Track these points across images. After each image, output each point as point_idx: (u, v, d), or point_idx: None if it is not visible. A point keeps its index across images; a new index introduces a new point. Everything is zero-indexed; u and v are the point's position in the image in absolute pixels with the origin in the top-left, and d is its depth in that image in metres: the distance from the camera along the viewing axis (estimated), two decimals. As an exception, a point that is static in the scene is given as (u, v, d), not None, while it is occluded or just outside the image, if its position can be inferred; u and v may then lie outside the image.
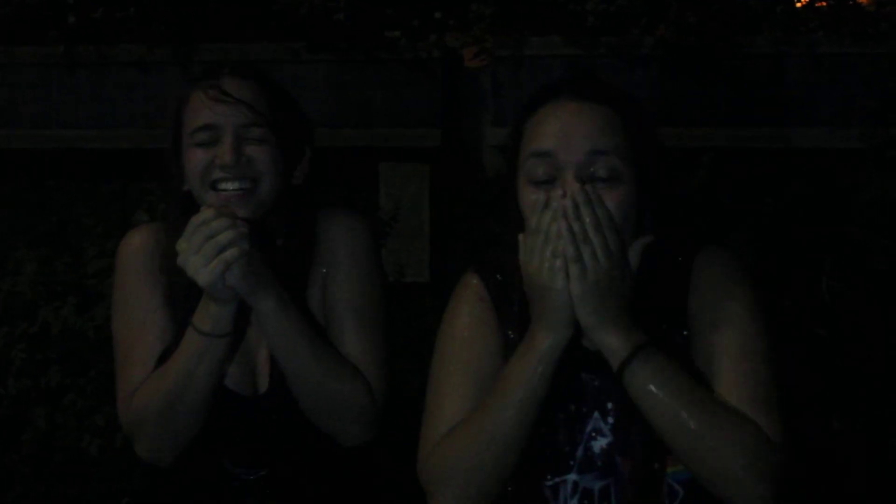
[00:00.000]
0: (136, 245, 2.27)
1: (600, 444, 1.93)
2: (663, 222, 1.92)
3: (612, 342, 1.83)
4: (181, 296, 2.14)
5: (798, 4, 5.70)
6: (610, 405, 1.94)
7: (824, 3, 5.67)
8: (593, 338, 1.83)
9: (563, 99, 1.88)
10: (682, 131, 5.39)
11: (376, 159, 5.78)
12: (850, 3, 5.65)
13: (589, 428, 1.93)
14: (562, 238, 1.80)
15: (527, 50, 5.58)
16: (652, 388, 1.82)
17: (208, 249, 1.99)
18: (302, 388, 2.15)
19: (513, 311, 2.01)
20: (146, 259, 2.22)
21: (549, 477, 1.96)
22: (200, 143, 2.15)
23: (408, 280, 5.39)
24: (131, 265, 2.26)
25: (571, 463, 1.94)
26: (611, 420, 1.93)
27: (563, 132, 1.86)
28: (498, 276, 2.05)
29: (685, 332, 1.91)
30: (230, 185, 2.12)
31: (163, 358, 2.19)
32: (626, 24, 5.49)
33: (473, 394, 1.99)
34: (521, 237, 1.82)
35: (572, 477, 1.94)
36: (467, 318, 2.07)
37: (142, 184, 5.45)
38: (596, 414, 1.94)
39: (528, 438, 1.88)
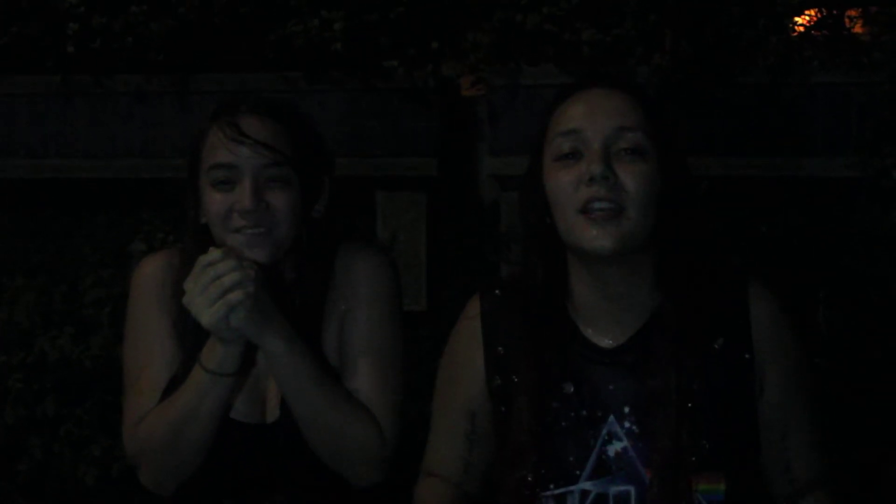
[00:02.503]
0: (149, 272, 2.29)
1: (615, 448, 1.93)
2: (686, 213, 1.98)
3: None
4: (191, 325, 2.14)
5: (793, 34, 5.71)
6: (627, 409, 1.94)
7: (819, 34, 5.68)
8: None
9: (587, 87, 1.96)
10: (677, 160, 5.39)
11: (373, 188, 5.78)
12: (845, 33, 5.66)
13: (604, 432, 1.93)
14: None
15: (523, 79, 5.59)
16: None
17: (213, 291, 2.00)
18: (310, 428, 2.14)
19: (505, 325, 2.03)
20: (158, 286, 2.24)
21: (551, 487, 1.94)
22: (218, 184, 2.14)
23: (405, 308, 5.39)
24: (143, 292, 2.28)
25: (578, 472, 1.93)
26: (627, 424, 1.93)
27: (590, 111, 1.91)
28: (497, 291, 2.07)
29: (748, 356, 1.92)
30: (250, 231, 2.12)
31: (169, 387, 2.19)
32: (622, 54, 5.50)
33: (458, 430, 2.04)
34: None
35: (581, 486, 1.93)
36: (452, 350, 2.11)
37: (139, 214, 5.46)
38: (612, 418, 1.94)
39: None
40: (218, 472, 2.18)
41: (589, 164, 1.89)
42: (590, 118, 1.91)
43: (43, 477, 4.92)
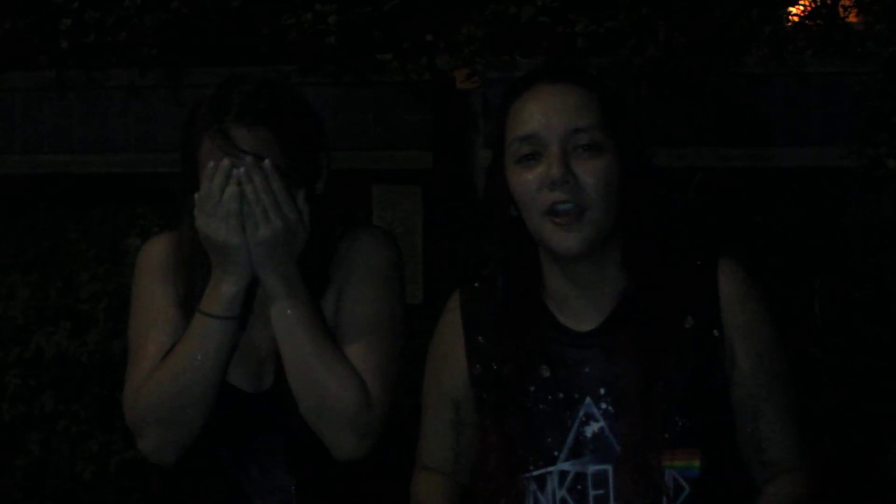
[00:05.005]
0: (153, 252, 2.34)
1: (592, 428, 1.97)
2: (653, 201, 2.03)
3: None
4: (194, 303, 2.19)
5: (787, 24, 5.72)
6: (603, 390, 1.98)
7: (813, 23, 5.69)
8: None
9: (540, 84, 1.99)
10: (671, 151, 5.40)
11: (368, 181, 5.78)
12: (839, 22, 5.67)
13: (581, 413, 1.96)
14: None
15: (517, 72, 5.58)
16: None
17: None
18: (296, 379, 2.17)
19: (484, 315, 2.07)
20: (162, 264, 2.29)
21: (531, 468, 1.98)
22: None
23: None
24: (147, 269, 2.33)
25: (557, 453, 1.96)
26: (604, 406, 1.97)
27: (544, 114, 1.94)
28: (476, 283, 2.12)
29: (716, 332, 1.97)
30: None
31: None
32: (615, 46, 5.50)
33: (445, 420, 2.06)
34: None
35: (560, 467, 1.97)
36: (435, 343, 2.15)
37: (134, 208, 5.46)
38: (588, 399, 1.98)
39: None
40: (217, 441, 2.20)
41: (548, 167, 1.94)
42: (545, 120, 1.95)
43: (41, 472, 4.93)
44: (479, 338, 2.07)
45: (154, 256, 2.29)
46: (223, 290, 2.13)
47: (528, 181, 1.96)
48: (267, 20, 5.76)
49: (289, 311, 2.13)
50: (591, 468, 1.94)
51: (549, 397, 1.97)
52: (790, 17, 5.75)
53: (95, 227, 5.91)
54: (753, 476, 2.03)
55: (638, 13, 5.48)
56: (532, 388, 1.98)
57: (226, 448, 2.22)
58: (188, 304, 2.23)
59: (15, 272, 5.47)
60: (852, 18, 5.70)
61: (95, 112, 5.94)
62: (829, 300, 4.81)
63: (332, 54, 5.71)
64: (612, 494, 1.93)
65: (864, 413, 4.50)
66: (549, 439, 1.95)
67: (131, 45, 5.81)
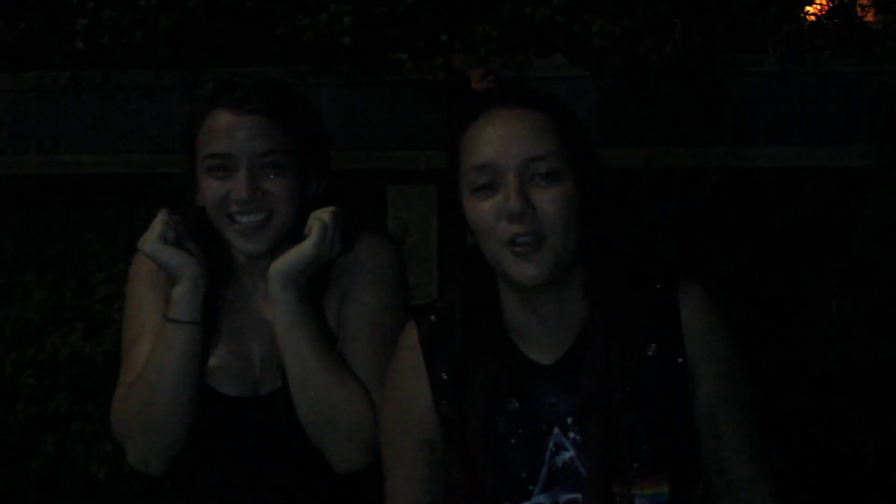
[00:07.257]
0: (146, 259, 2.32)
1: (563, 458, 1.94)
2: (609, 227, 1.97)
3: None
4: None
5: (805, 23, 5.69)
6: (570, 420, 1.95)
7: (831, 22, 5.66)
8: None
9: (495, 109, 1.92)
10: (688, 150, 5.38)
11: (383, 181, 5.78)
12: (857, 21, 5.64)
13: (550, 444, 1.93)
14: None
15: (532, 72, 5.57)
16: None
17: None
18: (302, 393, 2.15)
19: (446, 351, 2.02)
20: (154, 271, 2.28)
21: None
22: (214, 171, 2.17)
23: (416, 302, 5.38)
24: (139, 275, 2.35)
25: (531, 487, 1.93)
26: (572, 435, 1.93)
27: (500, 141, 1.87)
28: (432, 317, 2.06)
29: (680, 360, 1.94)
30: (246, 219, 2.15)
31: None
32: (631, 45, 5.48)
33: (420, 463, 2.02)
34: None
35: (535, 500, 1.94)
36: (396, 384, 2.09)
37: (149, 209, 5.45)
38: (556, 430, 1.95)
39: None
40: (209, 448, 2.19)
41: (506, 199, 1.88)
42: (501, 148, 1.89)
43: (56, 473, 4.93)
44: (443, 375, 2.01)
45: (147, 264, 2.28)
46: (172, 294, 2.15)
47: (485, 212, 1.91)
48: (282, 20, 5.76)
49: (294, 324, 2.11)
50: (563, 497, 1.91)
51: (520, 430, 1.93)
52: (808, 17, 5.72)
53: (111, 228, 5.92)
54: (718, 497, 2.01)
55: (654, 12, 5.47)
56: (502, 423, 1.95)
57: (222, 457, 2.20)
58: None
59: (30, 273, 5.48)
60: (870, 17, 5.68)
61: (111, 112, 5.95)
62: (846, 300, 4.80)
63: (346, 54, 5.70)
64: None
65: (882, 412, 4.49)
66: (524, 474, 1.92)
67: (147, 46, 5.82)
